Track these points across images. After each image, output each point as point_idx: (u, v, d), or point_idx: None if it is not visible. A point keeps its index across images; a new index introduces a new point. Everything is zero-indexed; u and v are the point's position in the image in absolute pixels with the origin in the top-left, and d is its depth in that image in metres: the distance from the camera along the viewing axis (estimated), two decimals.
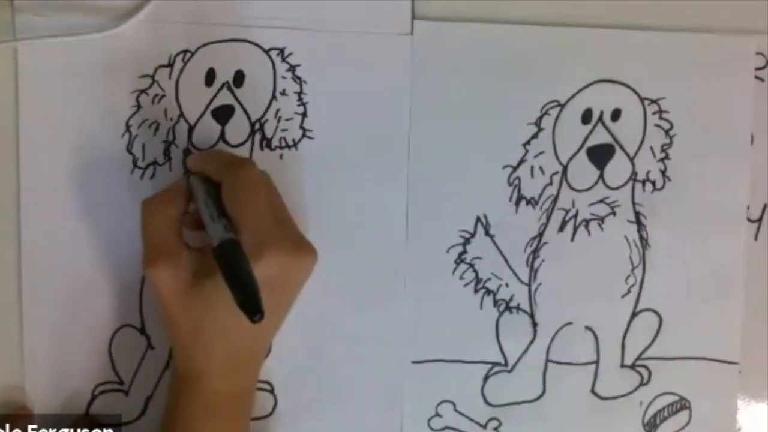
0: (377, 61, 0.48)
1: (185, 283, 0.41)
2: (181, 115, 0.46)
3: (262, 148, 0.48)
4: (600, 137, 0.51)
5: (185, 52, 0.46)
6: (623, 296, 0.52)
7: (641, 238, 0.52)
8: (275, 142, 0.48)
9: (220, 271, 0.38)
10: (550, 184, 0.51)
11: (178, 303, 0.41)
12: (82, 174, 0.45)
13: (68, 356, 0.46)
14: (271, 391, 0.49)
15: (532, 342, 0.52)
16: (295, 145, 0.48)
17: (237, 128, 0.47)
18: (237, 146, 0.47)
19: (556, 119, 0.50)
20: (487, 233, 0.50)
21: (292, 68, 0.47)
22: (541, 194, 0.51)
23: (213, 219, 0.40)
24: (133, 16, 0.45)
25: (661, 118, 0.51)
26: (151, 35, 0.45)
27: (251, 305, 0.36)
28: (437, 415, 0.51)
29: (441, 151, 0.49)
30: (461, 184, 0.50)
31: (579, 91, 0.50)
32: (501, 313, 0.51)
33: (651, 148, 0.51)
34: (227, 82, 0.47)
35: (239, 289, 0.37)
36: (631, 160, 0.51)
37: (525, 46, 0.49)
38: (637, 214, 0.52)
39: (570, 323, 0.52)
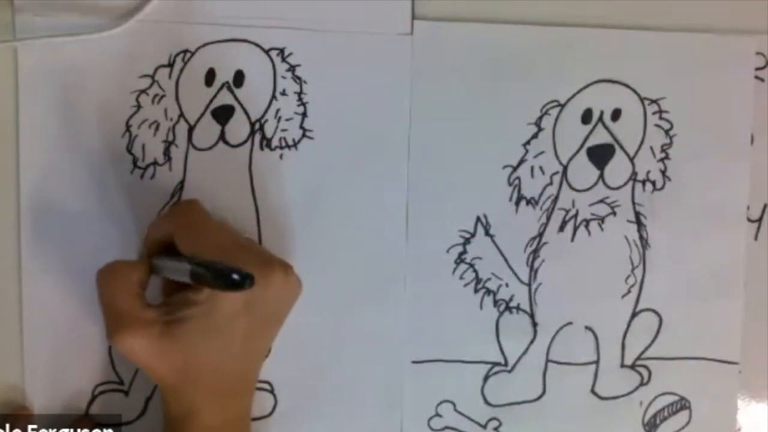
0: (377, 61, 0.48)
1: (156, 337, 0.40)
2: (181, 115, 0.46)
3: (262, 148, 0.48)
4: (600, 137, 0.51)
5: (185, 52, 0.46)
6: (623, 296, 0.52)
7: (641, 238, 0.52)
8: (275, 142, 0.48)
9: (203, 284, 0.38)
10: (550, 184, 0.51)
11: (156, 358, 0.40)
12: (82, 174, 0.45)
13: (68, 356, 0.46)
14: (271, 391, 0.49)
15: (532, 342, 0.52)
16: (295, 145, 0.48)
17: (237, 128, 0.47)
18: (237, 146, 0.47)
19: (556, 119, 0.50)
20: (487, 233, 0.50)
21: (292, 68, 0.47)
22: (541, 194, 0.51)
23: (179, 261, 0.40)
24: (133, 16, 0.45)
25: (661, 118, 0.51)
26: (151, 35, 0.45)
27: (238, 277, 0.36)
28: (437, 415, 0.51)
29: (441, 151, 0.49)
30: (461, 184, 0.50)
31: (579, 91, 0.50)
32: (501, 313, 0.51)
33: (651, 148, 0.51)
34: (227, 82, 0.47)
35: (221, 276, 0.36)
36: (631, 160, 0.51)
37: (525, 46, 0.49)
38: (637, 214, 0.52)
39: (570, 323, 0.52)
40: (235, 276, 0.36)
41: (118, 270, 0.42)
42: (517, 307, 0.51)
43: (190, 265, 0.39)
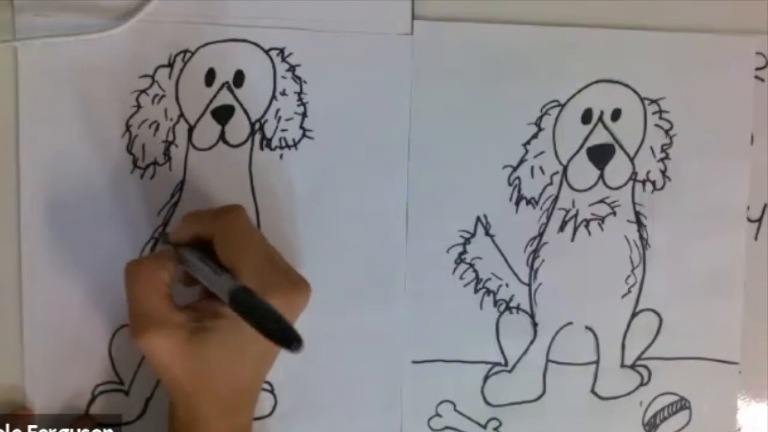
0: (377, 61, 0.48)
1: (182, 343, 0.40)
2: (181, 115, 0.46)
3: (262, 148, 0.48)
4: (600, 137, 0.51)
5: (185, 52, 0.46)
6: (623, 296, 0.52)
7: (641, 238, 0.52)
8: (275, 142, 0.48)
9: (242, 317, 0.37)
10: (551, 184, 0.51)
11: (176, 364, 0.40)
12: (82, 174, 0.45)
13: (68, 356, 0.46)
14: (271, 391, 0.49)
15: (532, 342, 0.52)
16: (295, 145, 0.48)
17: (237, 128, 0.47)
18: (237, 146, 0.47)
19: (556, 119, 0.50)
20: (487, 233, 0.50)
21: (292, 68, 0.47)
22: (541, 194, 0.51)
23: (214, 276, 0.40)
24: (133, 16, 0.45)
25: (661, 118, 0.51)
26: (151, 35, 0.45)
27: (290, 337, 0.35)
28: (437, 415, 0.51)
29: (441, 151, 0.49)
30: (461, 184, 0.50)
31: (579, 91, 0.50)
32: (501, 313, 0.51)
33: (651, 148, 0.51)
34: (227, 82, 0.47)
35: (273, 327, 0.36)
36: (631, 160, 0.51)
37: (525, 46, 0.49)
38: (637, 214, 0.52)
39: (570, 323, 0.52)
40: (288, 340, 0.35)
41: (148, 267, 0.41)
42: (517, 307, 0.51)
43: (229, 289, 0.38)
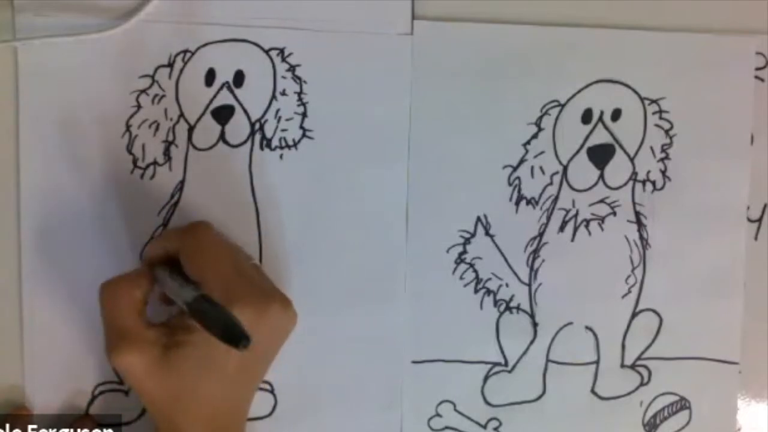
0: (377, 61, 0.48)
1: (156, 359, 0.40)
2: (181, 115, 0.46)
3: (262, 148, 0.48)
4: (600, 137, 0.51)
5: (185, 52, 0.46)
6: (623, 296, 0.52)
7: (641, 238, 0.52)
8: (275, 142, 0.48)
9: (199, 324, 0.37)
10: (551, 184, 0.51)
11: (152, 381, 0.40)
12: (82, 174, 0.45)
13: (68, 356, 0.46)
14: (271, 391, 0.49)
15: (532, 342, 0.52)
16: (295, 145, 0.48)
17: (237, 128, 0.47)
18: (237, 146, 0.47)
19: (556, 119, 0.50)
20: (487, 233, 0.50)
21: (292, 68, 0.47)
22: (541, 194, 0.51)
23: (179, 289, 0.40)
24: (133, 16, 0.45)
25: (661, 118, 0.51)
26: (151, 35, 0.45)
27: (235, 333, 0.36)
28: (437, 415, 0.51)
29: (441, 152, 0.49)
30: (461, 184, 0.50)
31: (579, 91, 0.50)
32: (501, 313, 0.51)
33: (651, 148, 0.51)
34: (227, 82, 0.47)
35: (218, 325, 0.36)
36: (632, 160, 0.51)
37: (525, 46, 0.49)
38: (638, 214, 0.52)
39: (570, 323, 0.52)
40: (232, 337, 0.36)
41: (121, 286, 0.42)
42: (518, 307, 0.51)
43: (188, 299, 0.38)
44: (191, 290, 0.39)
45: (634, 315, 0.52)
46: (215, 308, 0.37)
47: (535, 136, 0.50)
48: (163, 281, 0.42)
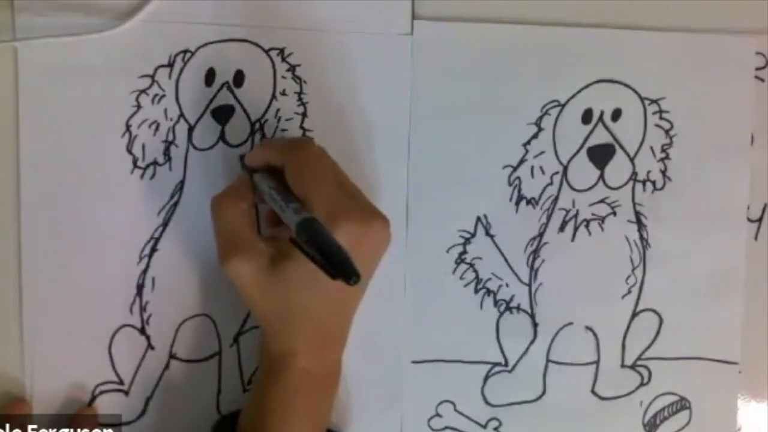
0: (377, 61, 0.48)
1: (264, 269, 0.41)
2: (181, 115, 0.46)
3: None
4: (600, 137, 0.51)
5: (185, 52, 0.46)
6: (623, 296, 0.52)
7: (641, 238, 0.52)
8: None
9: (304, 251, 0.37)
10: (551, 184, 0.51)
11: (261, 290, 0.41)
12: (82, 174, 0.45)
13: (68, 356, 0.46)
14: None
15: (532, 342, 0.52)
16: None
17: (237, 128, 0.47)
18: (237, 146, 0.47)
19: (557, 119, 0.50)
20: (487, 233, 0.50)
21: (292, 68, 0.47)
22: (541, 194, 0.51)
23: (284, 207, 0.40)
24: (133, 16, 0.45)
25: (661, 118, 0.51)
26: (151, 35, 0.45)
27: (346, 269, 0.35)
28: (437, 415, 0.51)
29: (441, 151, 0.49)
30: (461, 184, 0.50)
31: (579, 91, 0.50)
32: (501, 313, 0.51)
33: (651, 148, 0.51)
34: (227, 82, 0.47)
35: (329, 259, 0.35)
36: (632, 160, 0.51)
37: (525, 46, 0.49)
38: (638, 214, 0.52)
39: (570, 323, 0.52)
40: (343, 272, 0.35)
41: (226, 198, 0.43)
42: (518, 308, 0.51)
43: (297, 220, 0.37)
44: (294, 212, 0.39)
45: (634, 315, 0.52)
46: (325, 237, 0.36)
47: (535, 136, 0.50)
48: (266, 193, 0.42)
